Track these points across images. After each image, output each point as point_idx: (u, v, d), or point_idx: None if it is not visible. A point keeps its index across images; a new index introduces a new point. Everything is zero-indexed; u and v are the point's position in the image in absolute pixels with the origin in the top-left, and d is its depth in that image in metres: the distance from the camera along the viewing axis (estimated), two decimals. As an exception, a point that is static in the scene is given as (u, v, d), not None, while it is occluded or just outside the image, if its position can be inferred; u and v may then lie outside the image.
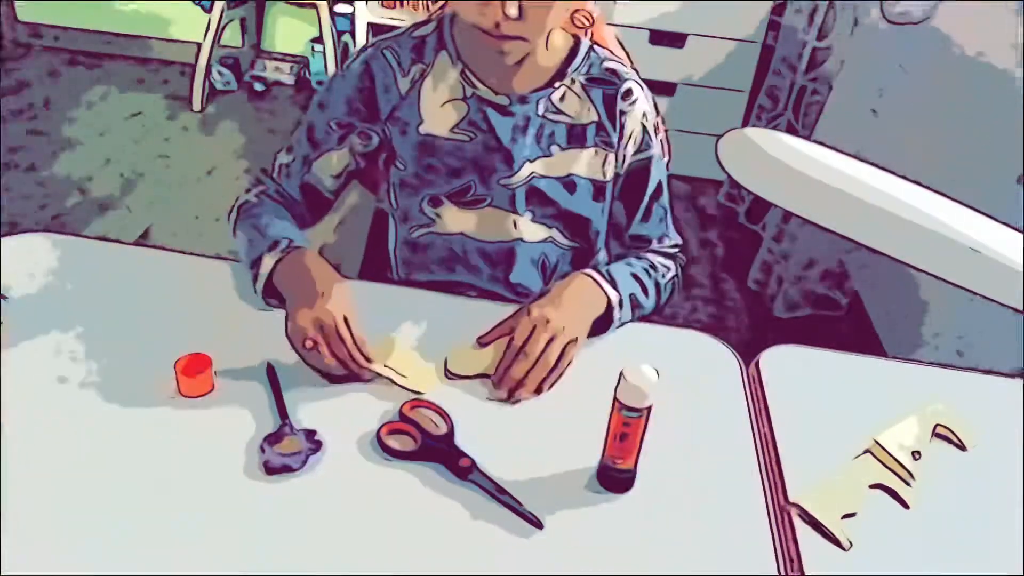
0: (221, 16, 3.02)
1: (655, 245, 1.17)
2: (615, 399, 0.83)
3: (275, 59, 3.43)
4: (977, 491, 0.93)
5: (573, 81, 1.08)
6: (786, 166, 0.94)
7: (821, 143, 0.97)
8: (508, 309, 1.05)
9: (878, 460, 0.93)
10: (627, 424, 0.83)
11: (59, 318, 1.00)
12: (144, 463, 0.85)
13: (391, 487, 0.86)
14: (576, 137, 1.09)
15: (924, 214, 0.89)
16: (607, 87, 1.08)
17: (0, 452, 0.83)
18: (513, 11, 0.92)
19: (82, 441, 0.86)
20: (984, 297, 0.87)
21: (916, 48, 1.98)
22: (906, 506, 0.89)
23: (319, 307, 0.93)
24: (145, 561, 0.76)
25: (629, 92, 1.09)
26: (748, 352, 1.10)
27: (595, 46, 1.10)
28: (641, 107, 1.10)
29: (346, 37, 3.13)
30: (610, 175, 1.11)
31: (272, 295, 1.02)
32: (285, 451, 0.86)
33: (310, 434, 0.88)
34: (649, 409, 0.82)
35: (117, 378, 0.93)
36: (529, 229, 1.13)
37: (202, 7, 3.03)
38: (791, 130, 2.50)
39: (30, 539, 0.76)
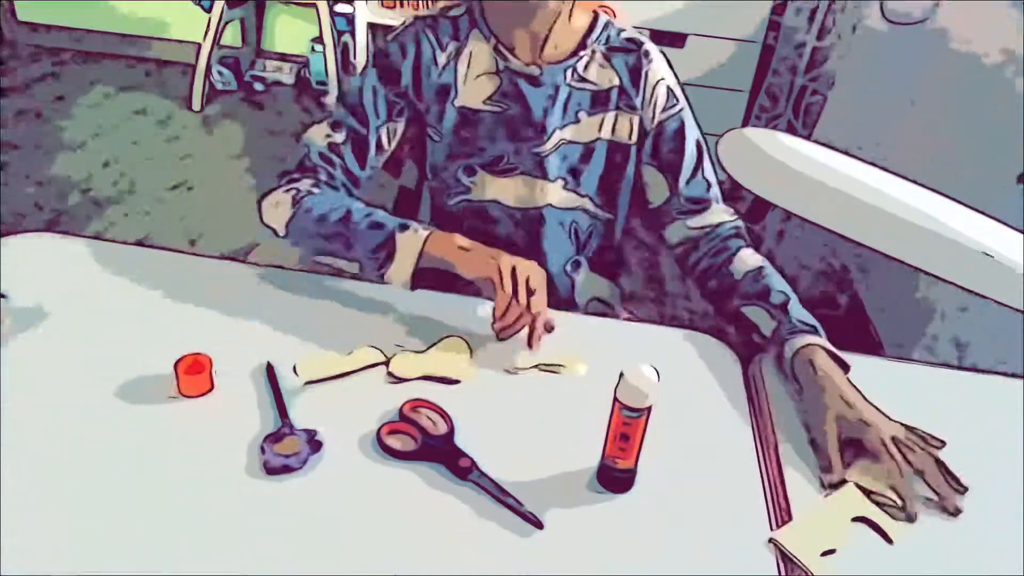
0: (221, 16, 3.02)
1: (718, 209, 1.15)
2: (615, 399, 0.83)
3: (275, 59, 3.43)
4: (977, 491, 0.93)
5: (594, 52, 1.13)
6: (786, 166, 0.94)
7: (821, 143, 0.97)
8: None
9: (862, 491, 0.90)
10: (627, 424, 0.83)
11: (59, 318, 1.00)
12: (144, 463, 0.85)
13: (391, 487, 0.86)
14: (600, 102, 1.13)
15: (924, 214, 0.89)
16: (628, 55, 1.13)
17: (0, 452, 0.83)
18: None
19: (82, 441, 0.86)
20: (984, 297, 0.87)
21: (916, 48, 1.98)
22: (889, 541, 0.86)
23: (523, 262, 0.98)
24: (145, 561, 0.76)
25: (648, 55, 1.14)
26: (748, 352, 1.10)
27: (611, 21, 1.15)
28: (661, 68, 1.14)
29: (346, 37, 3.13)
30: (635, 137, 1.15)
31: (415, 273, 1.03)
32: (285, 451, 0.86)
33: (310, 434, 0.88)
34: (649, 409, 0.82)
35: (117, 378, 0.93)
36: (559, 196, 1.18)
37: (202, 7, 3.03)
38: (791, 130, 2.50)
39: (30, 539, 0.76)
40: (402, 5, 2.99)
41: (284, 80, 3.40)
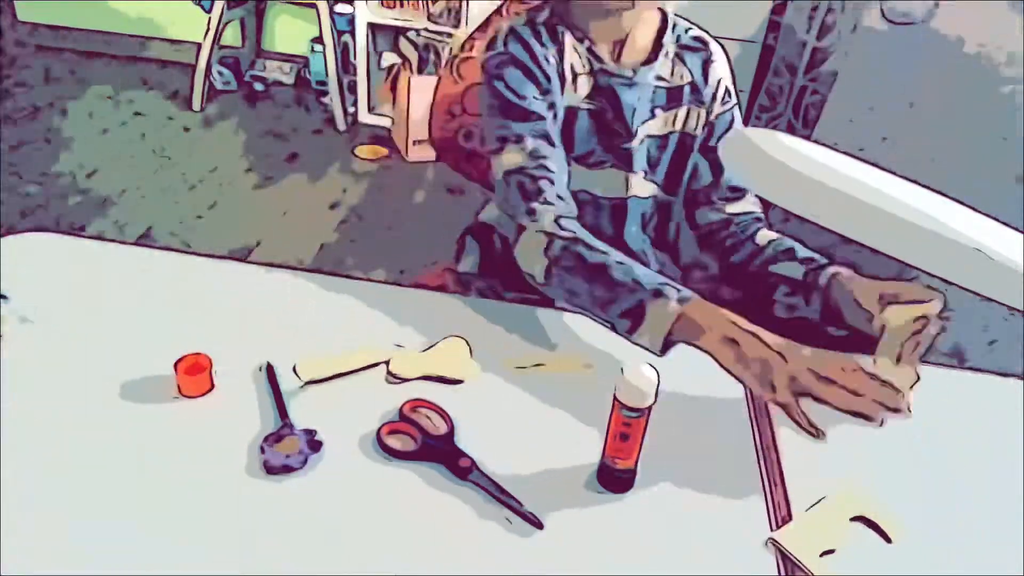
0: (221, 16, 3.02)
1: (751, 199, 1.25)
2: (615, 399, 0.83)
3: (275, 59, 3.43)
4: (977, 491, 0.93)
5: (667, 51, 1.19)
6: (786, 166, 0.94)
7: (821, 143, 0.97)
8: (521, 309, 1.04)
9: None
10: (627, 424, 0.83)
11: (59, 318, 1.00)
12: (144, 463, 0.85)
13: (391, 487, 0.86)
14: (674, 98, 1.21)
15: (924, 214, 0.89)
16: (697, 53, 1.22)
17: (0, 452, 0.83)
18: None
19: (82, 441, 0.86)
20: (984, 297, 0.87)
21: (916, 48, 1.98)
22: (889, 540, 0.86)
23: (799, 353, 0.88)
24: (145, 561, 0.76)
25: (713, 54, 1.23)
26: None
27: (677, 19, 1.23)
28: (722, 67, 1.24)
29: (346, 37, 3.13)
30: (700, 129, 1.23)
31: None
32: (285, 451, 0.86)
33: (310, 434, 0.88)
34: (649, 409, 0.82)
35: (117, 378, 0.93)
36: (640, 186, 1.23)
37: (202, 7, 3.03)
38: (791, 130, 2.50)
39: (30, 539, 0.76)
40: (402, 5, 2.99)
41: (284, 80, 3.40)
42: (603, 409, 0.84)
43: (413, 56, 2.95)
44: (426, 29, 2.94)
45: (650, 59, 1.18)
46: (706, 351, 0.91)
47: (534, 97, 1.10)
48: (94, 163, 2.78)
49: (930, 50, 1.93)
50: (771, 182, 0.98)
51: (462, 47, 1.40)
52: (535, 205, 1.05)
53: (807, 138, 1.00)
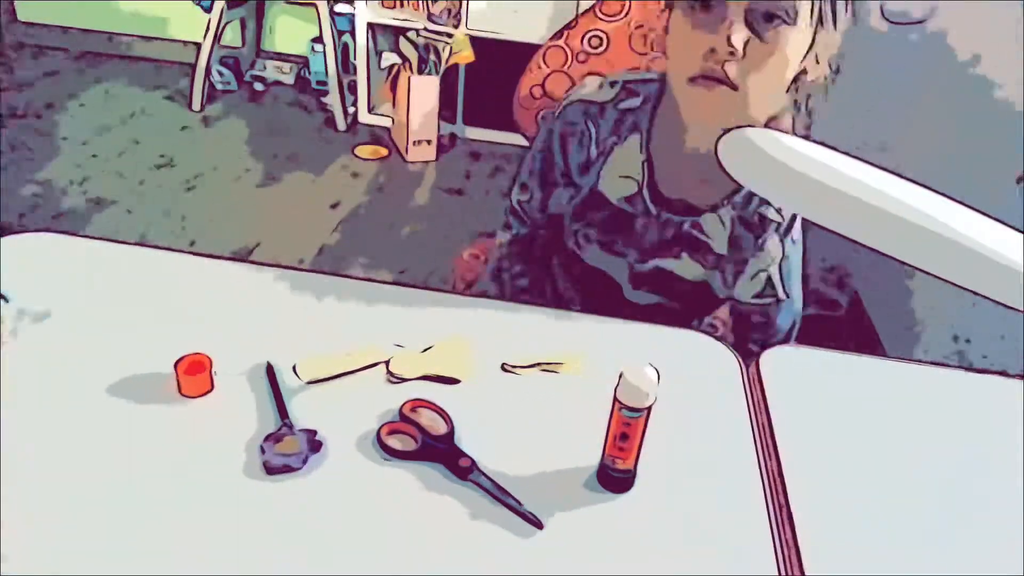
0: (221, 16, 3.03)
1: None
2: (615, 399, 0.83)
3: (275, 59, 3.43)
4: (977, 491, 0.93)
5: (721, 217, 1.13)
6: (786, 166, 0.94)
7: (821, 143, 0.97)
8: (516, 312, 1.04)
9: None
10: (627, 424, 0.83)
11: (59, 318, 1.00)
12: (144, 463, 0.85)
13: (391, 487, 0.86)
14: (703, 255, 1.17)
15: (924, 214, 0.89)
16: (749, 233, 1.13)
17: (0, 452, 0.83)
18: (739, 40, 0.93)
19: (82, 441, 0.86)
20: (984, 297, 0.87)
21: (916, 48, 1.98)
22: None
23: None
24: (145, 561, 0.76)
25: (764, 244, 1.14)
26: (747, 353, 1.09)
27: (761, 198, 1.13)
28: (770, 256, 1.15)
29: (346, 37, 3.14)
30: (728, 289, 1.19)
31: None
32: (285, 451, 0.86)
33: (310, 434, 0.88)
34: (649, 409, 0.82)
35: (117, 378, 0.93)
36: (639, 296, 1.24)
37: (202, 7, 3.03)
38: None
39: (30, 539, 0.76)
40: (402, 5, 2.99)
41: (284, 80, 3.40)
42: (603, 409, 0.84)
43: (413, 56, 2.95)
44: (426, 29, 2.94)
45: (710, 208, 1.12)
46: None
47: (561, 173, 1.19)
48: (94, 163, 2.78)
49: (930, 50, 1.93)
50: (771, 182, 0.98)
51: (554, 36, 1.44)
52: (503, 228, 1.31)
53: (807, 138, 1.00)
